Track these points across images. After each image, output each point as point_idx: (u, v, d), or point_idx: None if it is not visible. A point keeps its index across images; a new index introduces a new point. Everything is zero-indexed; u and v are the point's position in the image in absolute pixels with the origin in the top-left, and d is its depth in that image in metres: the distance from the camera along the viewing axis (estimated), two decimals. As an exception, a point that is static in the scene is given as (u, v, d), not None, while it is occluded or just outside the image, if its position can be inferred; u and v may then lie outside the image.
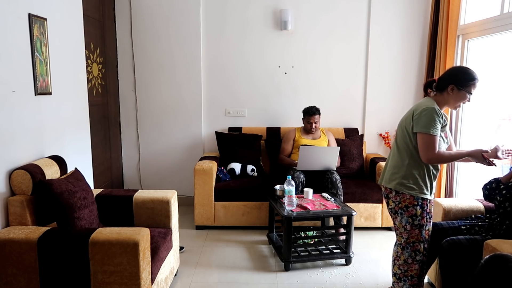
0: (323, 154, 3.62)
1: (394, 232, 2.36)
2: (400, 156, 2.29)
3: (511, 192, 2.16)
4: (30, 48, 2.42)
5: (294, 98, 4.40)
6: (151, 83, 4.39)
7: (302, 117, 3.99)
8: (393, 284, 2.48)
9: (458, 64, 3.78)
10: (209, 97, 4.44)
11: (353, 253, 3.15)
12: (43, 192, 2.20)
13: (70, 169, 2.69)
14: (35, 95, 2.48)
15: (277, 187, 3.40)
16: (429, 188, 2.25)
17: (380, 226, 3.79)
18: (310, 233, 3.39)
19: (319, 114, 3.92)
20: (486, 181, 2.41)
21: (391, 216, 2.38)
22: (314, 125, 3.89)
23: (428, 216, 2.27)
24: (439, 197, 3.94)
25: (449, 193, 3.90)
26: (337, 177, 3.59)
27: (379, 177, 3.83)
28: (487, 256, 1.42)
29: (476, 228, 2.34)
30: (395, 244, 2.45)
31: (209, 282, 2.86)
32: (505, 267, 1.31)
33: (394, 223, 2.37)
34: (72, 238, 2.02)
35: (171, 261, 2.67)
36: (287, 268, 3.03)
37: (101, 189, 2.80)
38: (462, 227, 2.37)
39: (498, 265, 1.33)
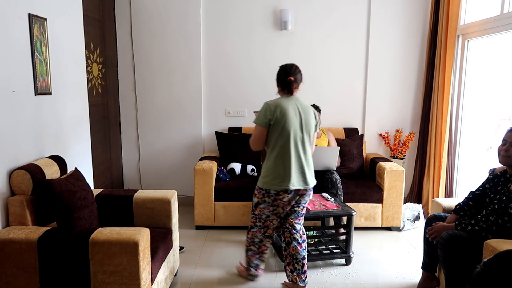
0: (323, 154, 3.62)
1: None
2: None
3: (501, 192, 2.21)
4: (30, 48, 2.42)
5: (294, 98, 4.39)
6: (151, 83, 4.39)
7: (302, 117, 3.98)
8: None
9: (458, 64, 3.78)
10: (209, 97, 4.44)
11: (353, 253, 3.15)
12: (43, 192, 2.20)
13: (70, 169, 2.69)
14: (35, 95, 2.48)
15: (277, 187, 3.39)
16: None
17: (380, 226, 3.78)
18: (310, 233, 3.38)
19: (319, 112, 3.91)
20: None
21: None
22: (314, 124, 3.88)
23: None
24: (438, 197, 3.94)
25: (449, 193, 3.90)
26: (337, 177, 3.59)
27: (379, 177, 3.88)
28: (497, 253, 1.39)
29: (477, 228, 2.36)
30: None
31: (209, 282, 2.86)
32: None
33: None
34: (72, 238, 2.02)
35: (171, 261, 2.67)
36: (287, 268, 3.03)
37: (101, 189, 2.80)
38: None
39: (507, 261, 1.30)
